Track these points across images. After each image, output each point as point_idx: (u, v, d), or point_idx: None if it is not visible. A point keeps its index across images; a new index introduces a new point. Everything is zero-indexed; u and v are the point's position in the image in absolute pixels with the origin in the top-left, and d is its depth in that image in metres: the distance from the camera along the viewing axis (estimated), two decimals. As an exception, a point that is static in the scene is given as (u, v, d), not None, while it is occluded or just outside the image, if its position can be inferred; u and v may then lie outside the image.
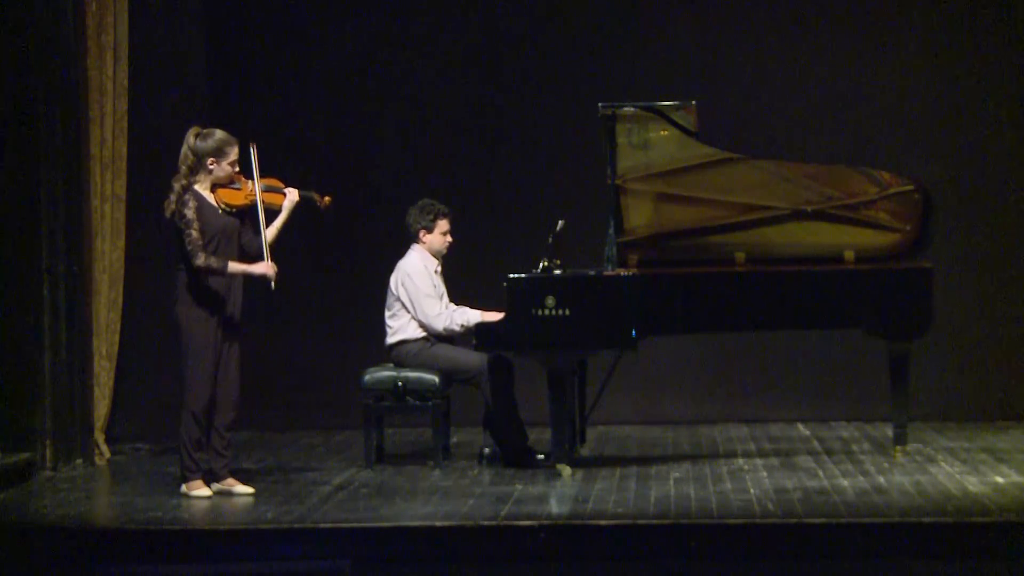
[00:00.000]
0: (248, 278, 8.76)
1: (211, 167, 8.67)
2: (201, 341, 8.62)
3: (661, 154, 9.52)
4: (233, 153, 8.71)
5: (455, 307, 9.66)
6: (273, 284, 8.71)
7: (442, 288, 9.72)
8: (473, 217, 10.86)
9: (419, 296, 9.51)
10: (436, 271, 9.68)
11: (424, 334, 9.57)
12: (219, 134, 8.70)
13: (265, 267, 8.70)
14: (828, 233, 9.60)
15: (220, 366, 8.69)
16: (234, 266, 8.64)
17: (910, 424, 9.76)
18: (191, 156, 8.65)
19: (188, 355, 8.64)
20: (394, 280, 9.63)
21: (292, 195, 8.90)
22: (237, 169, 8.75)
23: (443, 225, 9.68)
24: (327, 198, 9.07)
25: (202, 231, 8.56)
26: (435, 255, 9.69)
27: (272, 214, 8.83)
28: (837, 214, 9.61)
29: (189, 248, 8.53)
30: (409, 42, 11.57)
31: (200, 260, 8.53)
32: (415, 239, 9.69)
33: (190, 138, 8.68)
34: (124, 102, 10.27)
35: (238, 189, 8.76)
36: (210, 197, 8.69)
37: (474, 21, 11.57)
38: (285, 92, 11.55)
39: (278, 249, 8.92)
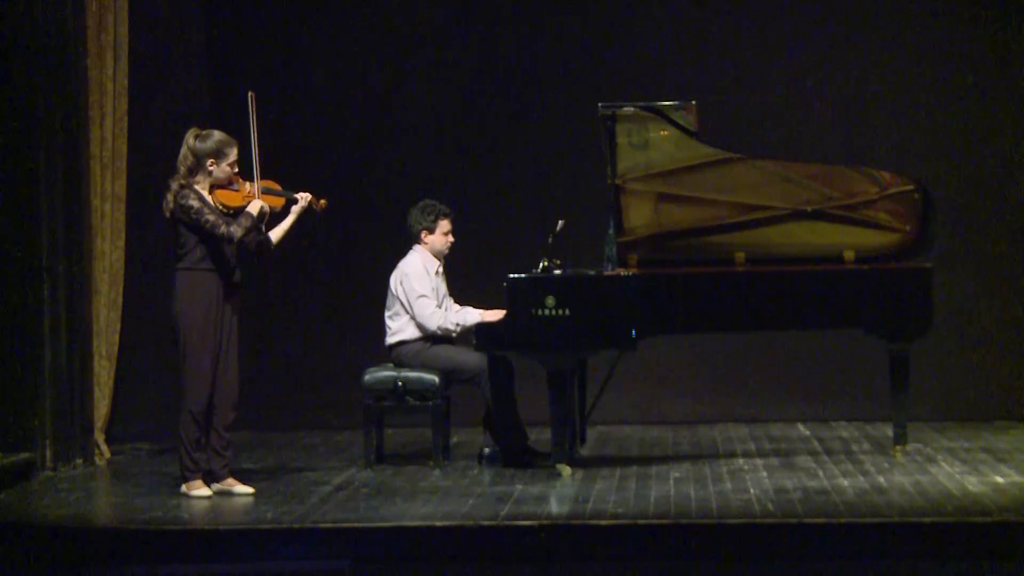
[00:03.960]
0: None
1: (210, 168, 8.66)
2: (199, 341, 8.61)
3: (661, 154, 9.52)
4: (232, 154, 8.70)
5: (458, 307, 9.67)
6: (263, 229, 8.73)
7: (443, 288, 9.72)
8: (473, 217, 10.85)
9: (414, 295, 9.51)
10: (437, 272, 9.68)
11: (423, 334, 9.57)
12: (218, 135, 8.69)
13: (256, 202, 8.70)
14: (828, 233, 9.60)
15: (218, 366, 8.68)
16: (252, 208, 8.63)
17: (910, 424, 9.76)
18: (191, 157, 8.63)
19: (186, 355, 8.63)
20: (394, 280, 9.63)
21: (302, 201, 8.89)
22: (236, 170, 8.74)
23: (444, 225, 9.68)
24: (323, 201, 9.05)
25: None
26: (436, 255, 9.69)
27: (271, 218, 8.82)
28: (837, 214, 9.61)
29: (217, 232, 8.51)
30: (409, 42, 11.58)
31: (237, 232, 8.54)
32: (416, 239, 9.69)
33: (189, 139, 8.67)
34: (124, 102, 10.27)
35: (236, 190, 8.74)
36: (208, 198, 8.68)
37: (474, 21, 11.57)
38: (285, 92, 11.55)
39: (280, 251, 8.92)
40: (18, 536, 8.00)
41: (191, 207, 8.53)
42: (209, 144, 8.65)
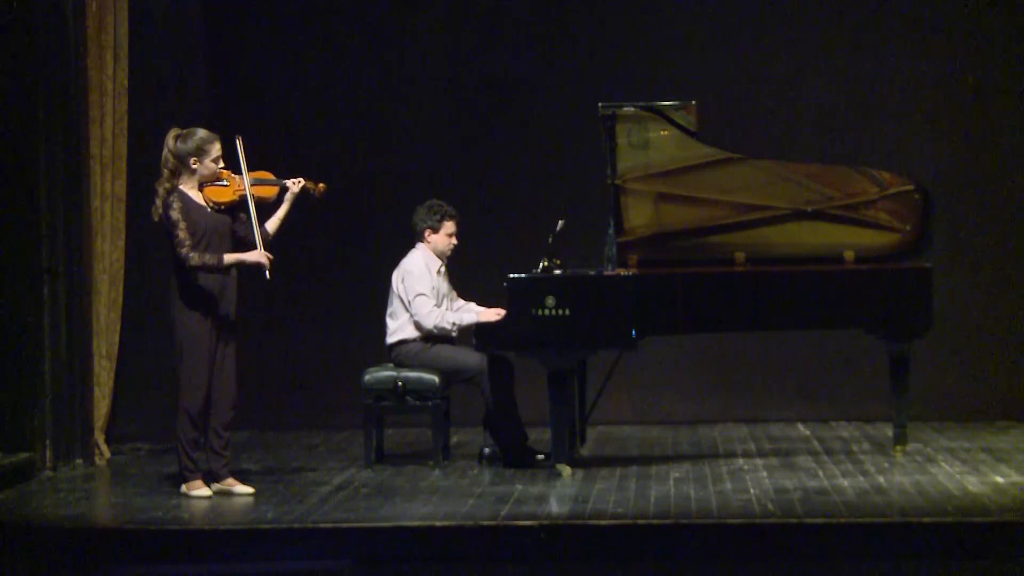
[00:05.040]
0: (244, 271, 8.73)
1: (194, 167, 8.64)
2: (196, 342, 8.61)
3: (661, 154, 9.53)
4: (215, 150, 8.67)
5: (463, 303, 9.67)
6: (268, 273, 8.66)
7: (445, 288, 9.72)
8: (474, 217, 10.83)
9: (413, 293, 9.51)
10: (439, 271, 9.68)
11: (421, 333, 9.56)
12: (199, 133, 8.67)
13: (258, 255, 8.63)
14: (828, 233, 9.61)
15: (216, 366, 8.67)
16: (228, 257, 8.61)
17: (910, 424, 9.76)
18: (172, 159, 8.62)
19: (183, 356, 8.63)
20: (396, 277, 9.63)
21: (294, 187, 8.88)
22: (222, 165, 8.72)
23: (449, 227, 9.67)
24: (321, 185, 9.04)
25: (192, 230, 8.55)
26: (439, 255, 9.69)
27: (266, 207, 8.80)
28: (837, 214, 9.62)
29: (179, 250, 8.51)
30: (410, 42, 11.57)
31: (194, 260, 8.51)
32: (420, 238, 9.69)
33: (169, 140, 8.64)
34: (124, 102, 10.26)
35: (225, 186, 8.71)
36: (198, 196, 8.66)
37: (474, 21, 11.57)
38: (285, 92, 11.54)
39: (279, 245, 8.92)
40: (18, 536, 8.00)
41: (168, 217, 8.54)
42: (190, 144, 8.62)
